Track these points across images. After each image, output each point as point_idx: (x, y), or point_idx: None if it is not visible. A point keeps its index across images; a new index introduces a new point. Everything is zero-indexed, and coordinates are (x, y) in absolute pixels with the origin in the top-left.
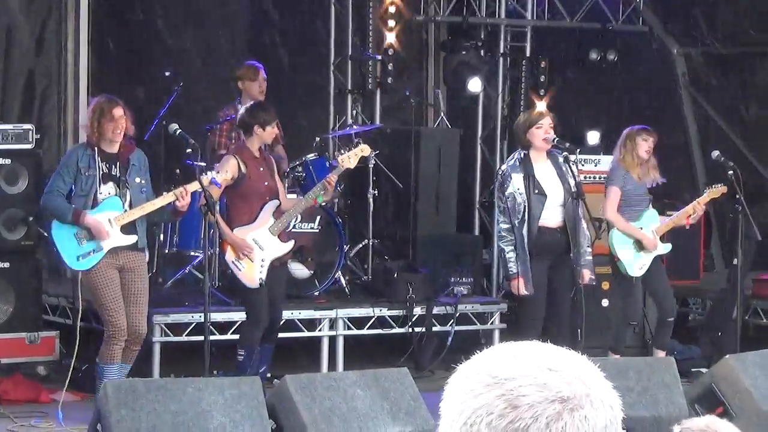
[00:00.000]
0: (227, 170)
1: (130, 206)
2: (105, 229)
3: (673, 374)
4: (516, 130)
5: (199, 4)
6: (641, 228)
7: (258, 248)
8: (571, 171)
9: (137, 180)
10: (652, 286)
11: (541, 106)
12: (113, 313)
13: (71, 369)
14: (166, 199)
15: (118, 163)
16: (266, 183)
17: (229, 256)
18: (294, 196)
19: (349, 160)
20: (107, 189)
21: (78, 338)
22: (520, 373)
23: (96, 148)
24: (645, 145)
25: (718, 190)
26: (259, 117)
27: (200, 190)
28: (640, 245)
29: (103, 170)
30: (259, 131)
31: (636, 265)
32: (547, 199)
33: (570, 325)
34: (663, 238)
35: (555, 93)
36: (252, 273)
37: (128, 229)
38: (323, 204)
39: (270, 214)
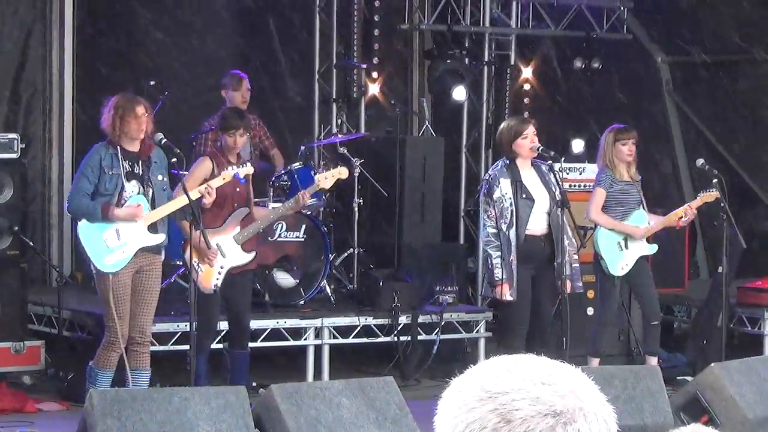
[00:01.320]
0: (250, 164)
1: (153, 205)
2: (136, 211)
3: (658, 382)
4: (499, 141)
5: (185, 13)
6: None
7: (219, 255)
8: (556, 179)
9: (159, 177)
10: (637, 289)
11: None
12: (119, 320)
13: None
14: (191, 196)
15: (140, 162)
16: (237, 189)
17: (189, 256)
18: (279, 204)
19: (326, 180)
20: (131, 187)
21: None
22: (513, 387)
23: (119, 147)
24: (625, 148)
25: (712, 194)
26: (224, 123)
27: (223, 183)
28: (624, 244)
29: (126, 168)
30: (224, 137)
31: (619, 264)
32: (534, 205)
33: (555, 334)
34: (650, 240)
35: (538, 101)
36: (209, 278)
37: (154, 228)
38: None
39: (237, 222)
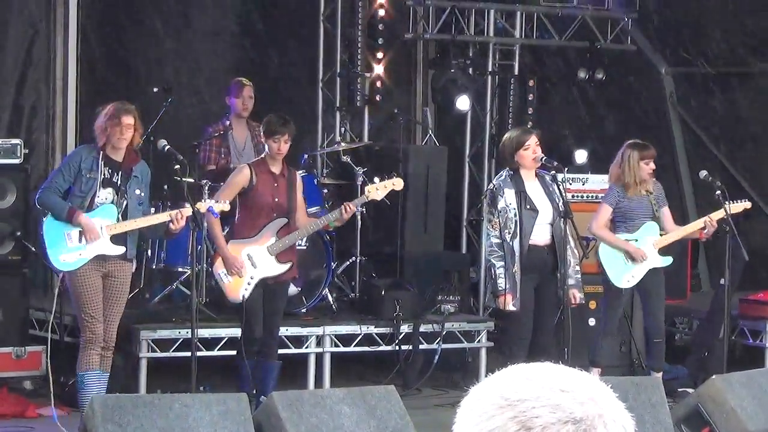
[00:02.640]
0: (226, 201)
1: (125, 216)
2: (97, 231)
3: (659, 394)
4: (502, 151)
5: (190, 20)
6: (636, 240)
7: (250, 265)
8: (559, 190)
9: (137, 192)
10: (645, 302)
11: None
12: (91, 320)
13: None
14: (159, 218)
15: (120, 172)
16: (276, 199)
17: (218, 267)
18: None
19: (377, 191)
20: (105, 194)
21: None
22: (532, 395)
23: (102, 152)
24: (648, 167)
25: (740, 205)
26: (268, 128)
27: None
28: (630, 256)
29: (104, 175)
30: (269, 142)
31: (624, 276)
32: (538, 215)
33: (556, 345)
34: (663, 251)
35: (542, 112)
36: (237, 287)
37: (118, 239)
38: (332, 228)
39: (273, 233)
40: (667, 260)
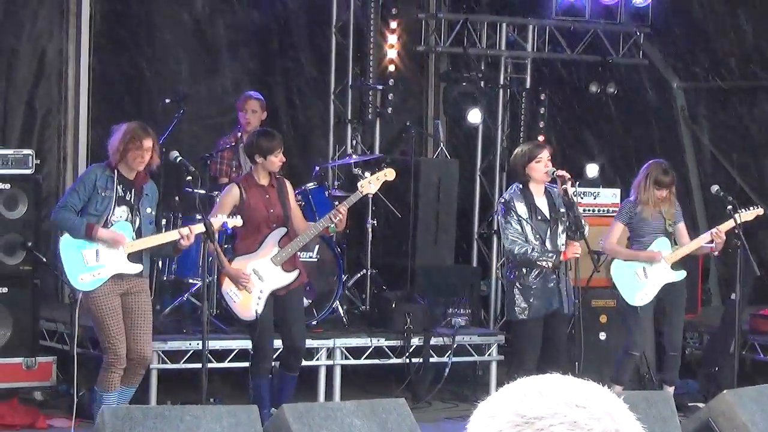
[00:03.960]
0: (238, 216)
1: (138, 234)
2: (121, 236)
3: (669, 409)
4: (514, 165)
5: (202, 32)
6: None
7: (257, 279)
8: (571, 201)
9: (148, 210)
10: (664, 316)
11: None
12: (114, 341)
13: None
14: (171, 235)
15: (133, 190)
16: (271, 210)
17: (226, 286)
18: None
19: (369, 185)
20: (120, 212)
21: (76, 363)
22: (549, 412)
23: (116, 171)
24: (659, 193)
25: (752, 212)
26: (260, 145)
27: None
28: (644, 273)
29: (119, 193)
30: (260, 159)
31: (637, 294)
32: (548, 227)
33: (567, 358)
34: (677, 266)
35: (553, 125)
36: (248, 304)
37: (134, 257)
38: (333, 233)
39: (274, 243)
40: (681, 274)
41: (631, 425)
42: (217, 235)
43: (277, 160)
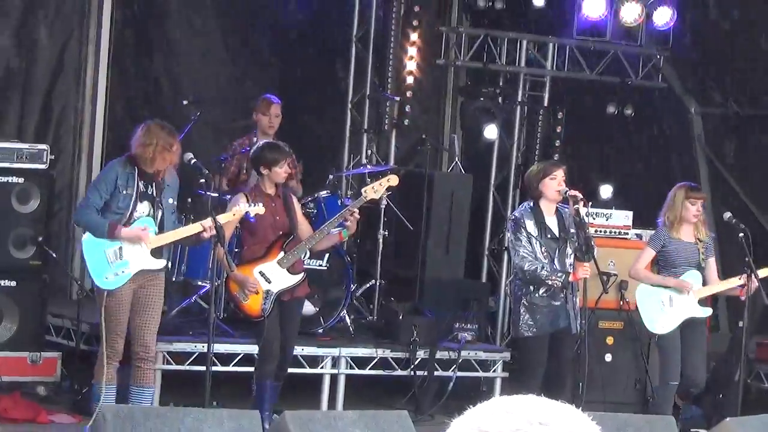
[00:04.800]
0: (259, 203)
1: (161, 228)
2: (144, 232)
3: None
4: (528, 180)
5: (221, 35)
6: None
7: (264, 281)
8: (582, 222)
9: (170, 201)
10: (684, 354)
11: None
12: (115, 337)
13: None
14: (194, 228)
15: (154, 183)
16: (277, 217)
17: (233, 289)
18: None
19: (373, 191)
20: (143, 208)
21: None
22: (511, 428)
23: (136, 167)
24: (693, 208)
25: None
26: (265, 158)
27: (233, 219)
28: (670, 302)
29: (140, 189)
30: (266, 171)
31: (658, 322)
32: (558, 246)
33: (572, 378)
34: (705, 303)
35: (569, 145)
36: (256, 304)
37: (156, 252)
38: (346, 238)
39: (280, 248)
40: (707, 311)
41: None
42: (228, 239)
43: (282, 171)
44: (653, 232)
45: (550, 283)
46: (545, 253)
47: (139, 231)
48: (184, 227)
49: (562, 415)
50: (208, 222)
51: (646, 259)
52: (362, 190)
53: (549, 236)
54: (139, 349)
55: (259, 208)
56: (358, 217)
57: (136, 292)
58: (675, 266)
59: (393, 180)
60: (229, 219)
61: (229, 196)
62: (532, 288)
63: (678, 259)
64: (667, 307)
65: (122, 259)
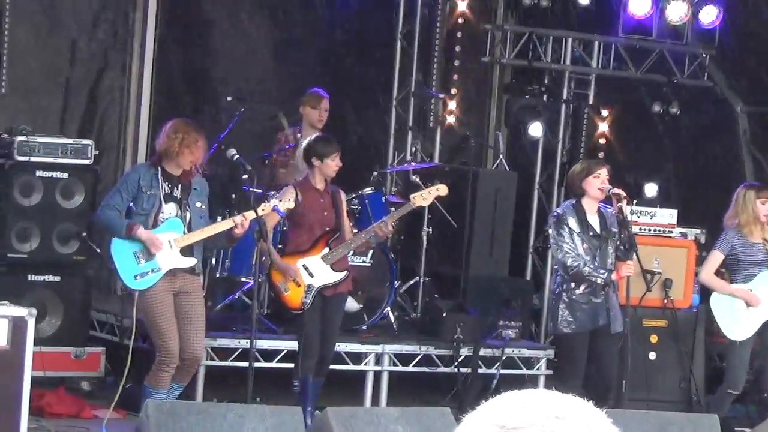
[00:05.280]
0: (289, 199)
1: (189, 229)
2: (160, 242)
3: None
4: (571, 178)
5: (265, 31)
6: (750, 290)
7: (307, 274)
8: (625, 221)
9: (198, 204)
10: (759, 360)
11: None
12: (166, 339)
13: (121, 386)
14: (226, 224)
15: (180, 185)
16: (325, 213)
17: (276, 278)
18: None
19: (422, 198)
20: (169, 209)
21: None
22: (527, 422)
23: (160, 168)
24: (764, 207)
25: None
26: (317, 149)
27: (262, 214)
28: (745, 307)
29: (165, 190)
30: (318, 163)
31: (737, 328)
32: (600, 243)
33: (616, 377)
34: None
35: (614, 143)
36: (297, 296)
37: (187, 252)
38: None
39: (326, 243)
40: None
41: None
42: (270, 235)
43: (333, 164)
44: (722, 234)
45: (592, 280)
46: (587, 250)
47: (155, 239)
48: (214, 224)
49: (578, 410)
50: (239, 218)
51: (715, 263)
52: (411, 196)
53: (591, 233)
54: (187, 356)
55: (288, 203)
56: (391, 232)
57: (176, 299)
58: (746, 268)
59: (443, 189)
60: (252, 216)
61: (273, 192)
62: (573, 285)
63: (748, 261)
64: (743, 313)
65: (151, 259)
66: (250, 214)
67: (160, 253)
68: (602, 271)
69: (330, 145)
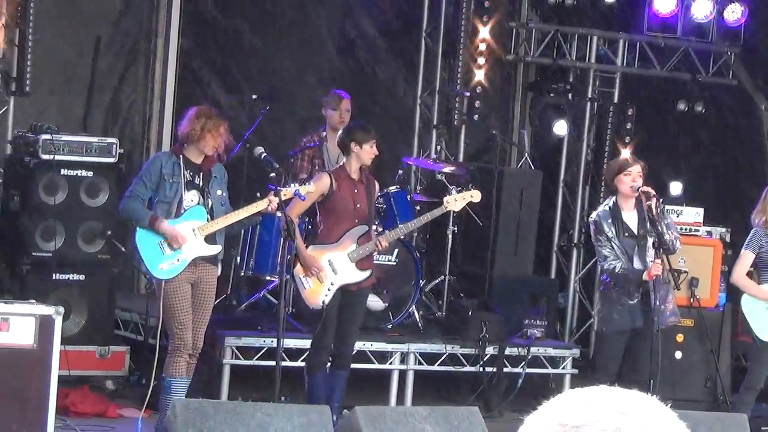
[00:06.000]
0: (313, 183)
1: (212, 217)
2: (181, 237)
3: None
4: (606, 175)
5: (289, 30)
6: None
7: (331, 271)
8: (660, 219)
9: (219, 192)
10: None
11: (625, 153)
12: (182, 327)
13: (151, 385)
14: (249, 210)
15: (201, 173)
16: (358, 205)
17: (299, 271)
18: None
19: (455, 202)
20: (191, 197)
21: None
22: (591, 419)
23: (182, 156)
24: None
25: None
26: (355, 135)
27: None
28: None
29: (187, 178)
30: (356, 149)
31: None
32: (636, 243)
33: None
34: None
35: (639, 141)
36: (317, 293)
37: (211, 239)
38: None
39: (354, 240)
40: None
41: None
42: (298, 230)
43: (371, 150)
44: (750, 234)
45: (630, 278)
46: (624, 253)
47: (178, 235)
48: (241, 209)
49: (642, 405)
50: (264, 203)
51: (746, 263)
52: (444, 199)
53: (626, 234)
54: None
55: (309, 187)
56: (387, 246)
57: (194, 286)
58: None
59: (476, 196)
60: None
61: (305, 177)
62: (612, 284)
63: None
64: None
65: (176, 248)
66: (286, 192)
67: (185, 243)
68: (636, 271)
69: (368, 132)
